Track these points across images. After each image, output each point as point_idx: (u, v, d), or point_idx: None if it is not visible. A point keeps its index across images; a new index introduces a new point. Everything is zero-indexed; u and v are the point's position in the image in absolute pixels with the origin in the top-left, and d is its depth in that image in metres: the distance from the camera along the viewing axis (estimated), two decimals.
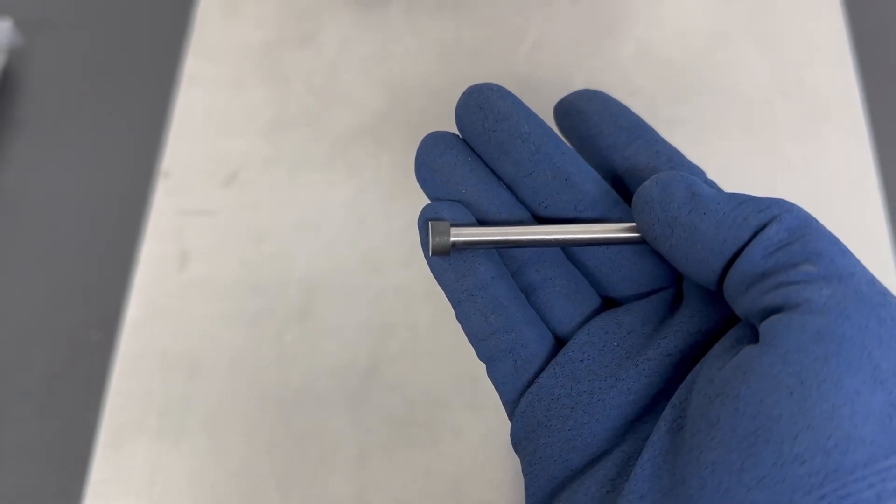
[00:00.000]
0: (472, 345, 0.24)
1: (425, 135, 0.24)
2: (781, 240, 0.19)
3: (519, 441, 0.22)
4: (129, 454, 0.40)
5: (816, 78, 0.46)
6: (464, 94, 0.24)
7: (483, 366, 0.28)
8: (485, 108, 0.23)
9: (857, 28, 0.48)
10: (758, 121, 0.45)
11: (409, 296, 0.42)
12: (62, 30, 0.61)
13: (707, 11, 0.49)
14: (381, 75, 0.48)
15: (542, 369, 0.22)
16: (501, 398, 0.24)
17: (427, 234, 0.23)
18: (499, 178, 0.24)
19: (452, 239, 0.23)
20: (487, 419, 0.39)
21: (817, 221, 0.20)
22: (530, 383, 0.23)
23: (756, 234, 0.19)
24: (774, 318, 0.18)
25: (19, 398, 0.47)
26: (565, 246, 0.23)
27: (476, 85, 0.24)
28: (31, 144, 0.56)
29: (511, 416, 0.23)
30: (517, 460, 0.38)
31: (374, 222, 0.44)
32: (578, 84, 0.47)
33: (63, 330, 0.48)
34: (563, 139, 0.24)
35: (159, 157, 0.47)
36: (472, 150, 0.24)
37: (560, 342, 0.23)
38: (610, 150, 0.24)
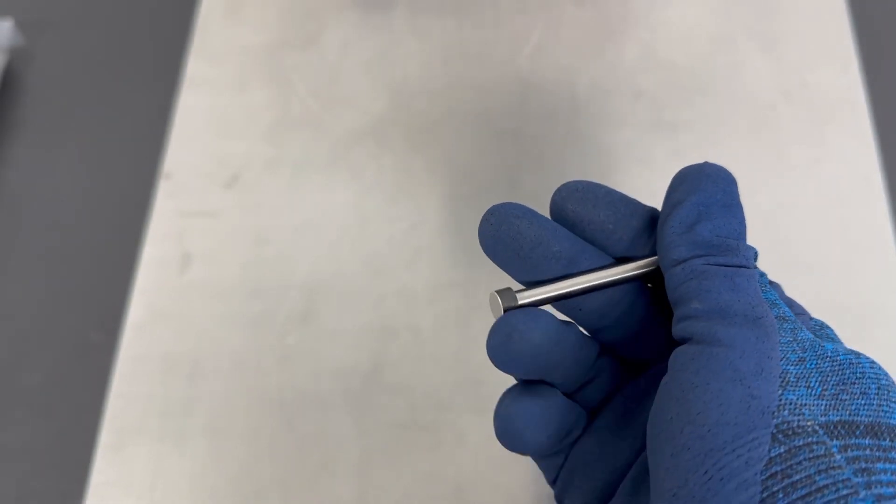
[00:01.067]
0: None
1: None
2: (681, 278, 0.24)
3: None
4: (130, 456, 0.40)
5: (821, 80, 0.46)
6: (487, 219, 0.25)
7: (485, 369, 0.33)
8: (517, 238, 0.25)
9: (862, 30, 0.48)
10: (762, 123, 0.45)
11: (411, 298, 0.42)
12: (63, 30, 0.61)
13: (711, 14, 0.49)
14: (383, 77, 0.48)
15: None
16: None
17: (497, 304, 0.25)
18: None
19: (520, 301, 0.24)
20: (490, 423, 0.38)
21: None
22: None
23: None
24: (674, 349, 0.24)
25: (20, 399, 0.47)
26: (614, 285, 0.25)
27: (498, 209, 0.25)
28: (32, 145, 0.56)
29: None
30: (520, 465, 0.38)
31: (376, 225, 0.44)
32: (582, 87, 0.47)
33: (64, 331, 0.48)
34: (587, 242, 0.26)
35: (161, 159, 0.47)
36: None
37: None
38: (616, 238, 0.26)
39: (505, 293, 0.24)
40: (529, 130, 0.46)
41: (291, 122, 0.47)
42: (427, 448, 0.38)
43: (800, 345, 0.23)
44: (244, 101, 0.48)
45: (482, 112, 0.47)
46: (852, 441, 0.21)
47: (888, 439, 0.21)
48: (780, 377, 0.22)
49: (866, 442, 0.21)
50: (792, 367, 0.23)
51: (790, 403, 0.22)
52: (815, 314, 0.39)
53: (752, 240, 0.41)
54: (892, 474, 0.21)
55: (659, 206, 0.27)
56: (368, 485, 0.38)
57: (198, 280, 0.44)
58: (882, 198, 0.42)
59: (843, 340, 0.39)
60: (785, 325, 0.24)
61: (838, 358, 0.23)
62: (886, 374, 0.23)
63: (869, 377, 0.23)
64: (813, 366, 0.23)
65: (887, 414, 0.22)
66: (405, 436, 0.39)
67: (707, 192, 0.26)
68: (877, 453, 0.21)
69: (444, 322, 0.41)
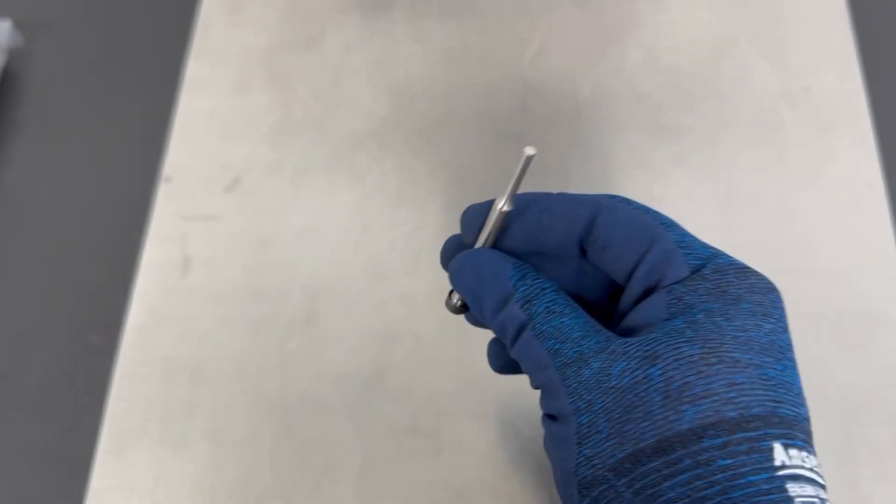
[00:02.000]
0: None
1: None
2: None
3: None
4: (130, 461, 0.40)
5: (823, 85, 0.46)
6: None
7: (486, 376, 0.34)
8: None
9: (864, 35, 0.48)
10: (765, 128, 0.45)
11: (413, 304, 0.42)
12: (63, 31, 0.61)
13: (714, 18, 0.49)
14: (385, 80, 0.48)
15: None
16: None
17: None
18: None
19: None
20: (491, 430, 0.39)
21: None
22: None
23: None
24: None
25: (19, 401, 0.47)
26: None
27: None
28: (31, 146, 0.56)
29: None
30: (521, 472, 0.38)
31: (378, 229, 0.44)
32: (584, 91, 0.47)
33: (64, 334, 0.48)
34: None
35: (161, 162, 0.47)
36: None
37: None
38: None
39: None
40: (531, 134, 0.46)
41: (293, 124, 0.47)
42: (429, 454, 0.38)
43: (585, 386, 0.24)
44: (245, 104, 0.48)
45: (484, 115, 0.47)
46: (638, 471, 0.22)
47: (677, 449, 0.22)
48: (576, 434, 0.24)
49: (654, 464, 0.22)
50: (583, 418, 0.24)
51: (585, 459, 0.24)
52: (817, 320, 0.40)
53: (753, 245, 0.41)
54: (680, 487, 0.22)
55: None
56: (370, 491, 0.38)
57: (199, 283, 0.44)
58: (884, 205, 0.42)
59: (846, 346, 0.39)
60: (568, 371, 0.24)
61: (623, 383, 0.23)
62: (681, 365, 0.23)
63: (655, 389, 0.23)
64: (599, 406, 0.23)
65: (676, 421, 0.22)
66: (407, 442, 0.39)
67: None
68: (664, 472, 0.22)
69: (446, 327, 0.41)
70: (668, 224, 0.27)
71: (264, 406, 0.40)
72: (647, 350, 0.23)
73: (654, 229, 0.26)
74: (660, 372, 0.23)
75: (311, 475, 0.39)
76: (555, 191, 0.33)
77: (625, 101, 0.46)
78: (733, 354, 0.23)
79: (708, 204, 0.43)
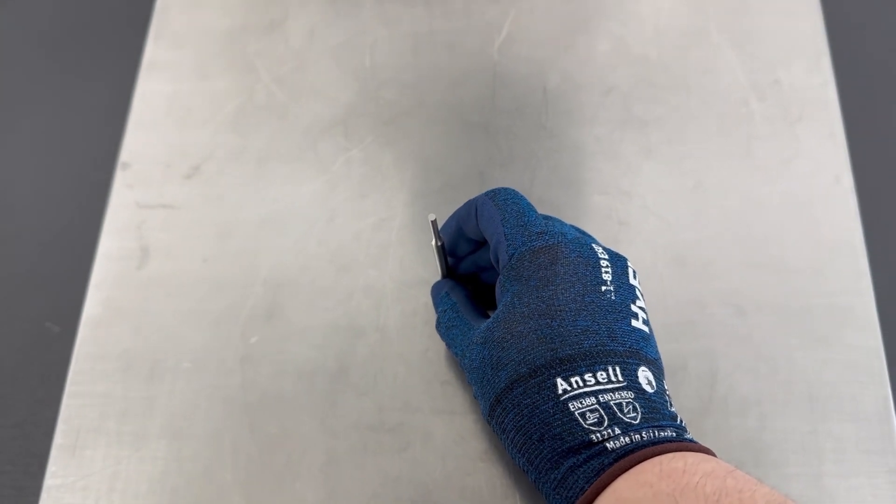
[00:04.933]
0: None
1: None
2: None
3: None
4: (86, 459, 0.39)
5: (793, 78, 0.46)
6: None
7: (452, 370, 0.39)
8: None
9: (835, 28, 0.48)
10: (733, 121, 0.45)
11: (379, 296, 0.41)
12: (14, 5, 0.59)
13: (684, 9, 0.48)
14: (351, 66, 0.47)
15: None
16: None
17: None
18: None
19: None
20: (458, 425, 0.38)
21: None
22: None
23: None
24: None
25: None
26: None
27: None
28: None
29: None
30: (488, 467, 0.37)
31: (344, 220, 0.43)
32: (553, 81, 0.46)
33: (18, 323, 0.47)
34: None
35: (118, 148, 0.45)
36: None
37: None
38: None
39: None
40: (500, 124, 0.45)
41: (255, 110, 0.46)
42: (394, 450, 0.38)
43: (467, 368, 0.36)
44: (206, 88, 0.47)
45: (452, 104, 0.46)
46: (495, 413, 0.34)
47: (502, 399, 0.33)
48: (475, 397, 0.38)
49: (497, 410, 0.33)
50: (473, 388, 0.36)
51: (482, 410, 0.35)
52: (784, 314, 0.40)
53: (721, 238, 0.41)
54: (511, 420, 0.33)
55: (622, 205, 0.38)
56: (334, 487, 0.37)
57: (157, 275, 0.42)
58: (852, 199, 0.42)
59: (812, 341, 0.39)
60: (460, 361, 0.37)
61: (476, 364, 0.35)
62: (494, 345, 0.34)
63: (487, 364, 0.34)
64: (472, 379, 0.35)
65: (499, 382, 0.33)
66: (372, 437, 0.38)
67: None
68: (502, 412, 0.33)
69: (412, 321, 0.40)
70: (510, 216, 0.35)
71: (225, 402, 0.39)
72: (481, 338, 0.35)
73: (496, 225, 0.35)
74: (487, 353, 0.34)
75: (274, 472, 0.38)
76: (525, 183, 0.43)
77: (593, 92, 0.46)
78: (519, 328, 0.33)
79: (676, 196, 0.43)
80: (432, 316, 0.40)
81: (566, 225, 0.37)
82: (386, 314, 0.41)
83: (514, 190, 0.37)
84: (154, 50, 0.48)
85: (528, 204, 0.36)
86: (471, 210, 0.37)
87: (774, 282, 0.40)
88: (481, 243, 0.39)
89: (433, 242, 0.38)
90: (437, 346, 0.40)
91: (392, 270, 0.42)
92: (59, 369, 0.44)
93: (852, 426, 0.37)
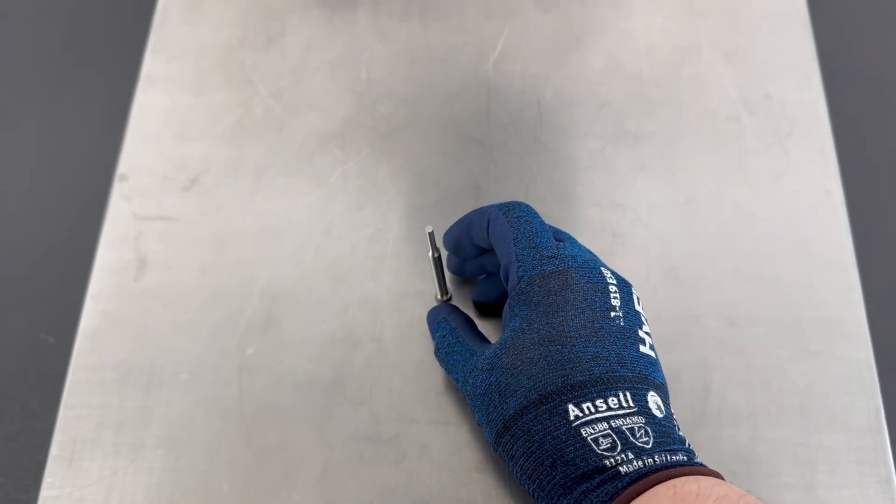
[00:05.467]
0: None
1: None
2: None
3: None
4: (83, 470, 0.39)
5: (783, 93, 0.46)
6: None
7: (449, 381, 0.40)
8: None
9: (825, 44, 0.49)
10: (725, 136, 0.45)
11: (375, 308, 0.41)
12: (13, 20, 0.59)
13: (676, 26, 0.49)
14: (347, 80, 0.48)
15: None
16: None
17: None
18: None
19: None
20: (454, 436, 0.38)
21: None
22: None
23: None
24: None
25: None
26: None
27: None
28: None
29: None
30: (483, 478, 0.38)
31: (340, 232, 0.43)
32: (547, 96, 0.47)
33: (14, 335, 0.47)
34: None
35: (116, 160, 0.46)
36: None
37: None
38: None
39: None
40: (495, 138, 0.46)
41: (252, 123, 0.46)
42: (390, 461, 0.38)
43: (469, 395, 0.36)
44: (203, 102, 0.47)
45: (448, 118, 0.47)
46: (502, 440, 0.34)
47: (511, 426, 0.33)
48: (479, 423, 0.37)
49: (505, 437, 0.33)
50: (476, 415, 0.35)
51: (487, 437, 0.35)
52: (775, 326, 0.40)
53: (713, 252, 0.42)
54: (521, 447, 0.33)
55: (616, 218, 0.39)
56: (331, 499, 0.38)
57: (154, 286, 0.43)
58: (842, 213, 0.43)
59: (804, 353, 0.40)
60: (462, 387, 0.37)
61: (481, 390, 0.35)
62: (503, 372, 0.34)
63: (494, 391, 0.34)
64: (476, 406, 0.35)
65: (507, 409, 0.33)
66: (368, 449, 0.38)
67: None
68: (511, 439, 0.33)
69: (408, 332, 0.41)
70: (523, 237, 0.36)
71: (221, 413, 0.40)
72: (488, 363, 0.35)
73: (508, 244, 0.36)
74: (494, 379, 0.34)
75: (270, 483, 0.38)
76: (520, 196, 0.44)
77: (587, 107, 0.47)
78: (529, 354, 0.33)
79: (669, 210, 0.43)
80: (428, 328, 0.41)
81: (576, 244, 0.37)
82: (382, 325, 0.41)
83: (528, 206, 0.37)
84: (152, 63, 0.49)
85: (541, 223, 0.36)
86: (482, 221, 0.37)
87: (766, 294, 0.41)
88: (488, 249, 0.39)
89: (430, 254, 0.38)
90: (433, 358, 0.40)
91: (388, 282, 0.42)
92: (54, 381, 0.44)
93: (844, 437, 0.38)
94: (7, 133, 0.54)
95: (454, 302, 0.42)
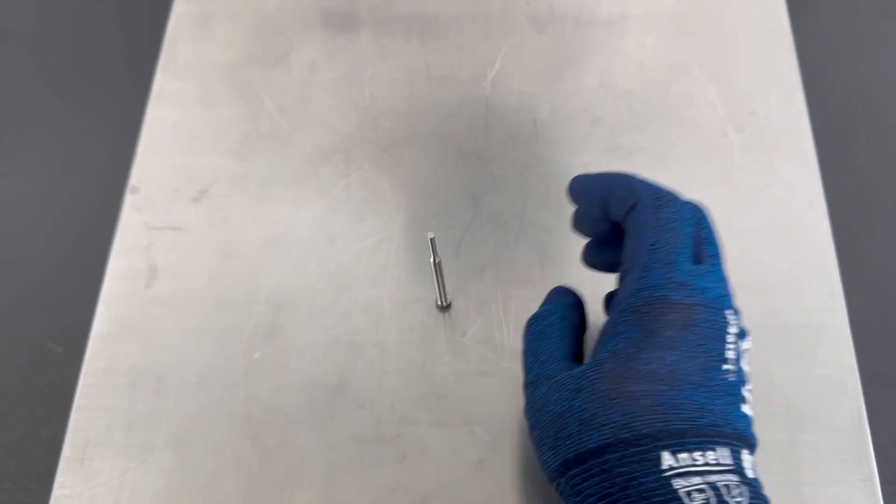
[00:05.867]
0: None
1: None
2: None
3: None
4: (94, 470, 0.40)
5: (768, 110, 0.48)
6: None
7: (448, 384, 0.40)
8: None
9: (808, 63, 0.51)
10: (713, 150, 0.47)
11: (377, 314, 0.43)
12: (25, 40, 0.61)
13: (666, 46, 0.51)
14: (350, 96, 0.50)
15: None
16: None
17: None
18: None
19: None
20: (453, 436, 0.40)
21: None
22: None
23: None
24: None
25: None
26: None
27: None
28: None
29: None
30: (482, 476, 0.39)
31: (343, 241, 0.45)
32: (543, 113, 0.49)
33: (22, 343, 0.48)
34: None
35: (128, 172, 0.47)
36: None
37: None
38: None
39: None
40: (492, 152, 0.48)
41: (259, 138, 0.48)
42: (392, 461, 0.39)
43: (534, 406, 0.33)
44: (212, 117, 0.49)
45: (447, 133, 0.48)
46: (568, 473, 0.31)
47: (588, 461, 0.30)
48: (533, 442, 0.33)
49: (575, 470, 0.31)
50: (533, 431, 0.33)
51: (541, 461, 0.33)
52: (763, 331, 0.42)
53: None
54: (594, 486, 0.30)
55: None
56: (334, 498, 0.39)
57: (164, 293, 0.44)
58: (825, 223, 0.45)
59: (790, 357, 0.41)
60: (528, 390, 0.34)
61: (556, 409, 0.32)
62: (592, 399, 0.31)
63: (574, 417, 0.31)
64: (542, 424, 0.32)
65: (587, 441, 0.30)
66: (370, 449, 0.40)
67: None
68: (583, 475, 0.30)
69: (409, 337, 0.42)
70: (661, 246, 0.32)
71: (228, 415, 0.41)
72: (575, 385, 0.32)
73: (642, 246, 0.33)
74: (578, 404, 0.31)
75: (275, 483, 0.39)
76: (515, 205, 0.44)
77: (581, 123, 0.48)
78: (631, 388, 0.30)
79: None
80: (428, 333, 0.42)
81: (713, 274, 0.33)
82: (384, 331, 0.42)
83: (683, 208, 0.33)
84: (163, 80, 0.50)
85: (687, 237, 0.33)
86: (627, 196, 0.34)
87: (753, 301, 0.42)
88: (615, 221, 0.35)
89: (431, 259, 0.40)
90: (433, 361, 0.42)
91: (390, 289, 0.43)
92: (61, 389, 0.45)
93: (829, 437, 0.39)
94: (23, 147, 0.56)
95: (453, 308, 0.43)
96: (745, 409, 0.32)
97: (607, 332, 0.33)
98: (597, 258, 0.39)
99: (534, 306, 0.38)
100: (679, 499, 0.28)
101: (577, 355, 0.35)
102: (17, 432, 0.47)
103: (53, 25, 0.61)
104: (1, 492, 0.46)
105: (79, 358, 0.44)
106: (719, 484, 0.29)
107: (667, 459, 0.29)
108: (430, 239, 0.38)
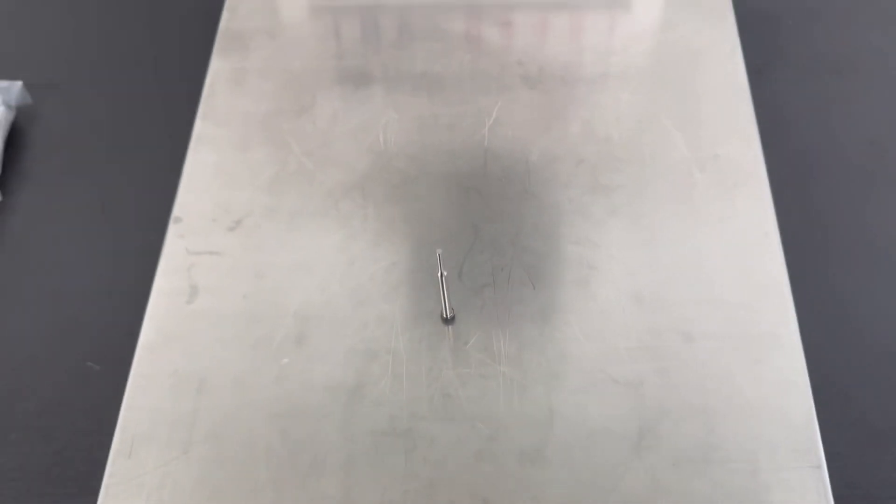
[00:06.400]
0: None
1: None
2: None
3: None
4: (140, 461, 0.45)
5: (729, 153, 0.55)
6: None
7: (453, 385, 0.43)
8: None
9: (763, 112, 0.58)
10: (681, 188, 0.54)
11: (389, 326, 0.49)
12: (71, 92, 0.68)
13: (639, 99, 0.58)
14: (367, 142, 0.57)
15: None
16: None
17: None
18: None
19: None
20: (456, 430, 0.45)
21: None
22: None
23: None
24: None
25: (20, 424, 0.52)
26: None
27: None
28: (37, 194, 0.62)
29: None
30: (481, 465, 0.43)
31: (361, 264, 0.51)
32: (534, 156, 0.56)
33: (64, 362, 0.54)
34: None
35: (171, 206, 0.54)
36: None
37: None
38: None
39: None
40: (490, 189, 0.54)
41: (288, 176, 0.55)
42: (403, 452, 0.44)
43: None
44: (246, 159, 0.56)
45: (451, 172, 0.55)
46: None
47: None
48: None
49: None
50: None
51: None
52: (724, 340, 0.48)
53: (672, 281, 0.50)
54: None
55: (592, 254, 0.43)
56: (352, 483, 0.44)
57: (203, 309, 0.50)
58: (778, 250, 0.50)
59: (748, 362, 0.47)
60: None
61: None
62: None
63: None
64: None
65: None
66: (384, 441, 0.45)
67: None
68: None
69: (418, 346, 0.48)
70: None
71: (260, 412, 0.46)
72: None
73: None
74: None
75: (301, 470, 0.44)
76: (510, 233, 0.47)
77: (567, 164, 0.55)
78: None
79: (635, 247, 0.51)
80: (434, 342, 0.48)
81: None
82: (396, 340, 0.48)
83: None
84: (202, 127, 0.57)
85: None
86: None
87: (716, 315, 0.49)
88: None
89: (438, 273, 0.46)
90: (439, 366, 0.47)
91: (401, 305, 0.50)
92: (99, 403, 0.51)
93: (783, 431, 0.44)
94: (78, 187, 0.62)
95: (456, 320, 0.49)
96: None
97: None
98: None
99: (526, 320, 0.44)
100: None
101: None
102: (59, 443, 0.52)
103: (97, 78, 0.69)
104: (45, 496, 0.51)
105: (114, 376, 0.49)
106: None
107: None
108: (438, 254, 0.45)
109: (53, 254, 0.59)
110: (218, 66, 0.61)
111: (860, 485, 0.48)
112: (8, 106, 0.65)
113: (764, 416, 0.45)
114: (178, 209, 0.54)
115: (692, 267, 0.50)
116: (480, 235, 0.52)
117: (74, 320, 0.55)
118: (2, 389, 0.53)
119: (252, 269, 0.51)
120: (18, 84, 0.66)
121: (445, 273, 0.46)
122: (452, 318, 0.49)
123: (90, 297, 0.56)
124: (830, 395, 0.48)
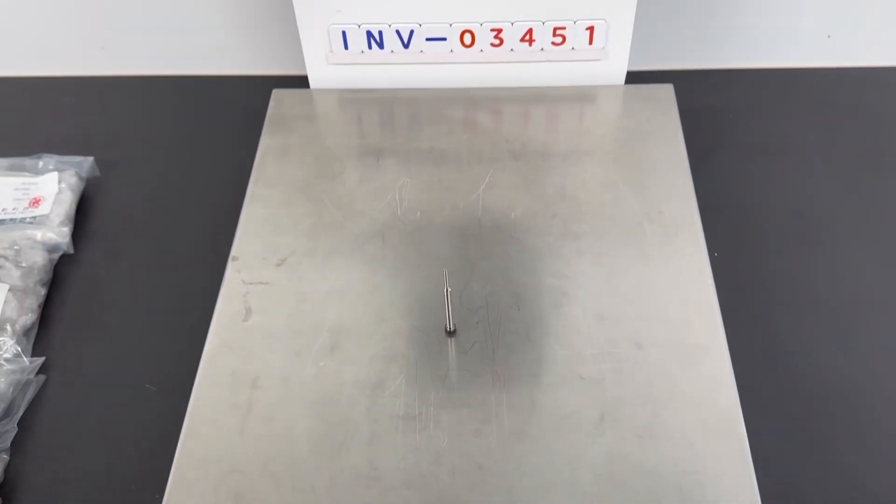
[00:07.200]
0: None
1: None
2: None
3: None
4: (206, 438, 0.57)
5: (672, 210, 0.67)
6: None
7: (454, 381, 0.56)
8: None
9: (699, 180, 0.71)
10: (633, 236, 0.66)
11: (406, 337, 0.61)
12: (129, 168, 0.82)
13: (601, 169, 0.71)
14: (385, 200, 0.70)
15: None
16: None
17: None
18: None
19: None
20: (458, 414, 0.56)
21: None
22: None
23: None
24: None
25: (93, 436, 0.63)
26: None
27: None
28: (102, 248, 0.75)
29: None
30: (479, 440, 0.54)
31: (381, 291, 0.64)
32: (518, 210, 0.70)
33: (126, 382, 0.65)
34: None
35: (229, 248, 0.68)
36: None
37: None
38: None
39: None
40: (484, 235, 0.67)
41: (323, 225, 0.68)
42: (416, 430, 0.55)
43: None
44: (290, 212, 0.69)
45: (453, 224, 0.68)
46: None
47: None
48: None
49: None
50: None
51: None
52: (667, 348, 0.60)
53: (624, 304, 0.63)
54: None
55: (565, 284, 0.56)
56: (375, 456, 0.54)
57: (256, 325, 0.62)
58: (710, 281, 0.62)
59: (686, 365, 0.59)
60: None
61: None
62: None
63: None
64: None
65: None
66: (401, 423, 0.56)
67: None
68: None
69: (427, 352, 0.60)
70: None
71: (302, 402, 0.57)
72: None
73: None
74: None
75: (335, 445, 0.55)
76: (500, 268, 0.61)
77: (544, 217, 0.69)
78: None
79: (598, 280, 0.63)
80: (443, 348, 0.60)
81: None
82: (409, 348, 0.61)
83: None
84: (255, 188, 0.71)
85: None
86: None
87: (660, 329, 0.61)
88: None
89: (444, 289, 0.59)
90: (444, 368, 0.59)
91: (414, 321, 0.62)
92: (156, 419, 0.62)
93: (713, 415, 0.55)
94: (137, 242, 0.75)
95: (458, 333, 0.62)
96: None
97: None
98: None
99: (512, 333, 0.57)
100: None
101: None
102: (124, 451, 0.63)
103: (153, 155, 0.83)
104: (111, 493, 0.61)
105: (170, 397, 0.61)
106: None
107: None
108: (445, 273, 0.58)
109: (127, 298, 0.71)
110: (267, 143, 0.75)
111: (775, 458, 0.59)
112: (80, 177, 0.79)
113: (698, 404, 0.54)
114: (235, 250, 0.67)
115: (642, 293, 0.62)
116: (476, 270, 0.62)
117: (136, 349, 0.67)
118: (85, 406, 0.64)
119: (295, 295, 0.64)
120: (90, 159, 0.80)
121: (450, 289, 0.59)
122: (454, 332, 0.60)
123: (157, 326, 0.69)
124: (751, 391, 0.61)
